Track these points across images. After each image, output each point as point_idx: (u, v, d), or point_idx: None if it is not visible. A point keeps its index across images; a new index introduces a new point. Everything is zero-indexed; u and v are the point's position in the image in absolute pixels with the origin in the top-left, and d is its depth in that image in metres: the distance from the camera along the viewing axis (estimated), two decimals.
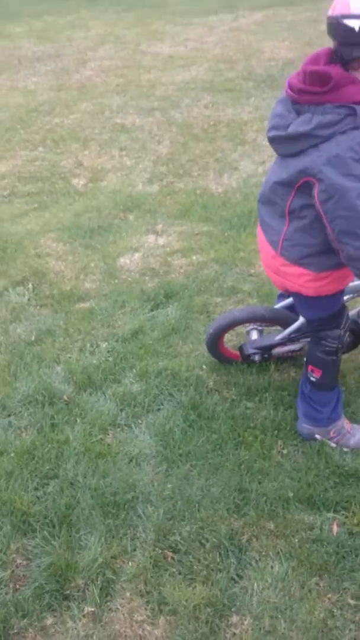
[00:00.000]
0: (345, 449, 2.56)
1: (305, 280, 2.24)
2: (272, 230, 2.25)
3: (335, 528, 2.28)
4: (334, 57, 1.94)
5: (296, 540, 2.25)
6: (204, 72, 7.26)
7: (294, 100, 1.98)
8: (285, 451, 2.59)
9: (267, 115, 5.83)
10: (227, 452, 2.59)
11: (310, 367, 2.48)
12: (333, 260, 2.14)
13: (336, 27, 1.86)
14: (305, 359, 2.56)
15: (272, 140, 2.10)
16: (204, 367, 3.04)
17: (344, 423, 2.58)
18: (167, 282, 3.70)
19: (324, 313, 2.37)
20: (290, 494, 2.39)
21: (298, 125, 1.94)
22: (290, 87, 1.99)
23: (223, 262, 3.82)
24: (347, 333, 2.49)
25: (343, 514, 2.33)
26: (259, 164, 4.95)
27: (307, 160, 1.94)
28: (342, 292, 2.39)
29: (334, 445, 2.57)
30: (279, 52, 7.56)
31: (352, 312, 2.68)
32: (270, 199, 2.20)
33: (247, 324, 3.01)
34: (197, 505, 2.39)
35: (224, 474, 2.50)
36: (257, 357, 2.88)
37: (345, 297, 2.56)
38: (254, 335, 2.97)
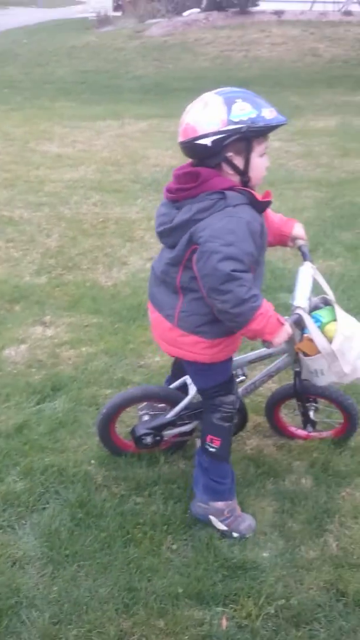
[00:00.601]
0: (235, 535, 2.59)
1: (201, 348, 2.43)
2: (166, 305, 2.46)
3: (224, 622, 2.27)
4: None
5: (186, 637, 2.21)
6: (92, 173, 7.53)
7: (173, 200, 2.33)
8: (174, 546, 2.57)
9: (153, 215, 6.06)
10: (116, 550, 2.54)
11: (209, 437, 2.59)
12: (225, 326, 2.35)
13: (192, 148, 2.24)
14: (200, 433, 2.67)
15: (162, 235, 2.40)
16: (93, 461, 3.00)
17: (236, 505, 2.64)
18: (55, 374, 3.67)
19: (218, 379, 2.56)
20: (180, 590, 2.37)
21: (181, 215, 2.27)
22: (169, 191, 2.33)
23: (113, 353, 3.86)
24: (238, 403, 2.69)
25: (232, 607, 2.33)
26: (147, 260, 5.12)
27: (189, 234, 2.24)
28: (231, 359, 2.61)
29: (225, 528, 2.59)
30: (163, 159, 8.00)
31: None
32: (162, 279, 2.45)
33: (140, 409, 3.02)
34: (85, 607, 2.31)
35: (113, 574, 2.44)
36: (149, 439, 2.89)
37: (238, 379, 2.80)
38: (146, 418, 2.98)
